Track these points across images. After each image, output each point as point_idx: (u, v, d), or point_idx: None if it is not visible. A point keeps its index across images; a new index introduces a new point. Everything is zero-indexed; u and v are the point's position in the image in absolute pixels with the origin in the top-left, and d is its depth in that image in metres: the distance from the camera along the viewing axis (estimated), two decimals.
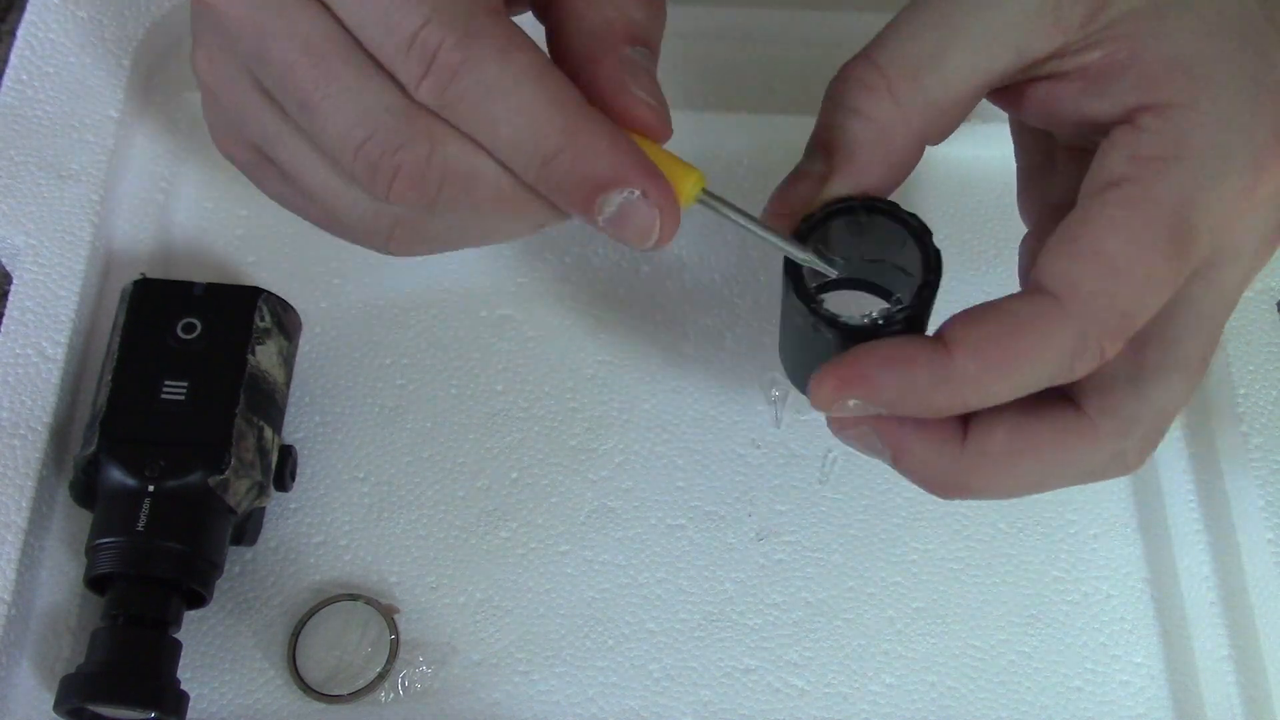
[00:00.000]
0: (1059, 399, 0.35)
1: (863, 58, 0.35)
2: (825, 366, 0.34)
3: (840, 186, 0.35)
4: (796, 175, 0.36)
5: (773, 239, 0.34)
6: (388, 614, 0.45)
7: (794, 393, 0.50)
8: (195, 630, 0.44)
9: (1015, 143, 0.41)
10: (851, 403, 0.33)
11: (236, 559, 0.46)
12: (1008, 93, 0.36)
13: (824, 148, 0.35)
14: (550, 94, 0.31)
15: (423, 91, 0.30)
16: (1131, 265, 0.32)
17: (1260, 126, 0.33)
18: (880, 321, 0.34)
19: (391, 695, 0.44)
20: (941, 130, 0.35)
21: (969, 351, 0.33)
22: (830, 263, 0.35)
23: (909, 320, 0.35)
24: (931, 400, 0.33)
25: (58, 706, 0.40)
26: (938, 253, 0.35)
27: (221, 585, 0.44)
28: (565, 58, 0.33)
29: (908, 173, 0.36)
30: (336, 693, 0.44)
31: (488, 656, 0.45)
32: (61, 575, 0.45)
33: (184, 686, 0.42)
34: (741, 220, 0.34)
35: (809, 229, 0.35)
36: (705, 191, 0.33)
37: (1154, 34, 0.34)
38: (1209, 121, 0.33)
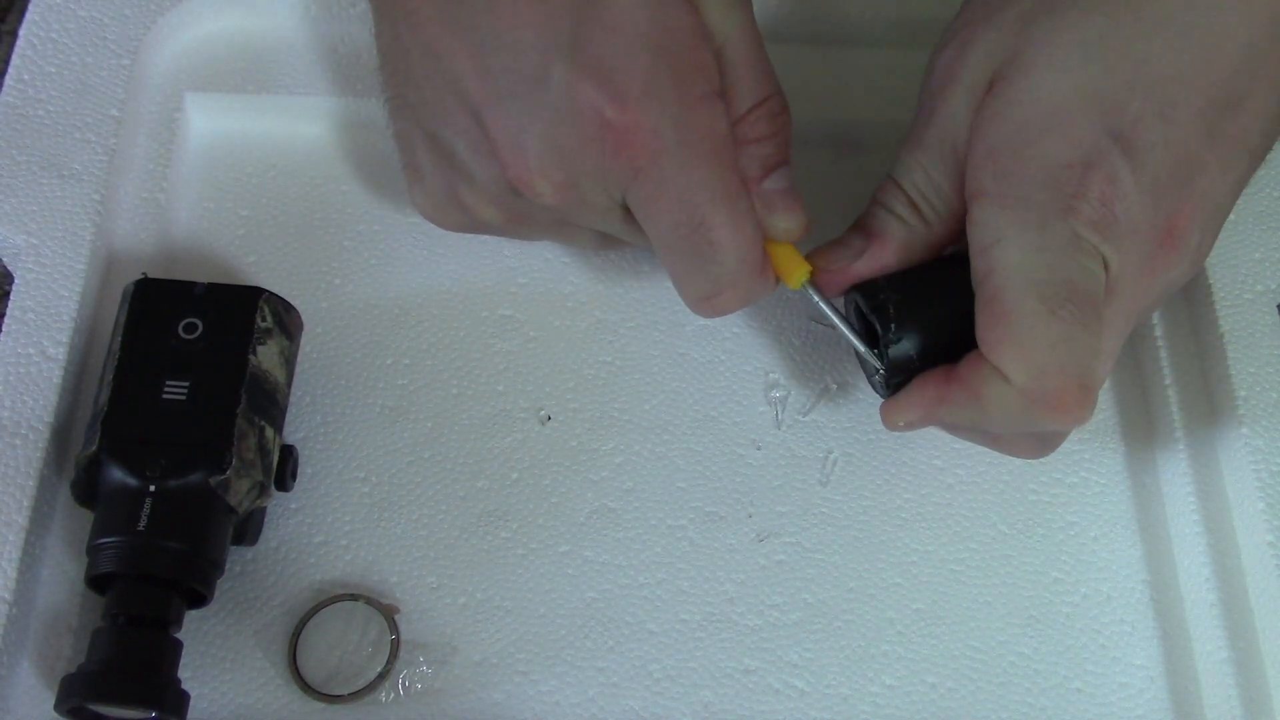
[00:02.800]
0: None
1: (893, 181, 0.44)
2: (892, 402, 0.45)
3: (868, 263, 0.44)
4: (840, 242, 0.45)
5: (852, 338, 0.45)
6: (388, 614, 0.45)
7: (794, 394, 0.50)
8: (196, 630, 0.44)
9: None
10: (902, 422, 0.45)
11: (237, 559, 0.46)
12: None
13: (864, 230, 0.45)
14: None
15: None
16: (1030, 340, 0.40)
17: (1059, 192, 0.40)
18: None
19: (392, 695, 0.44)
20: (955, 236, 0.44)
21: (956, 387, 0.43)
22: (880, 360, 0.45)
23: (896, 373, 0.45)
24: (932, 416, 0.44)
25: (58, 706, 0.40)
26: (886, 341, 0.44)
27: (222, 585, 0.44)
28: None
29: (926, 256, 0.45)
30: (337, 692, 0.44)
31: (488, 657, 0.45)
32: (62, 575, 0.45)
33: (185, 686, 0.42)
34: (831, 314, 0.45)
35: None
36: (810, 283, 0.45)
37: (988, 117, 0.41)
38: (1016, 207, 0.40)
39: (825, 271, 0.45)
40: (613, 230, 0.45)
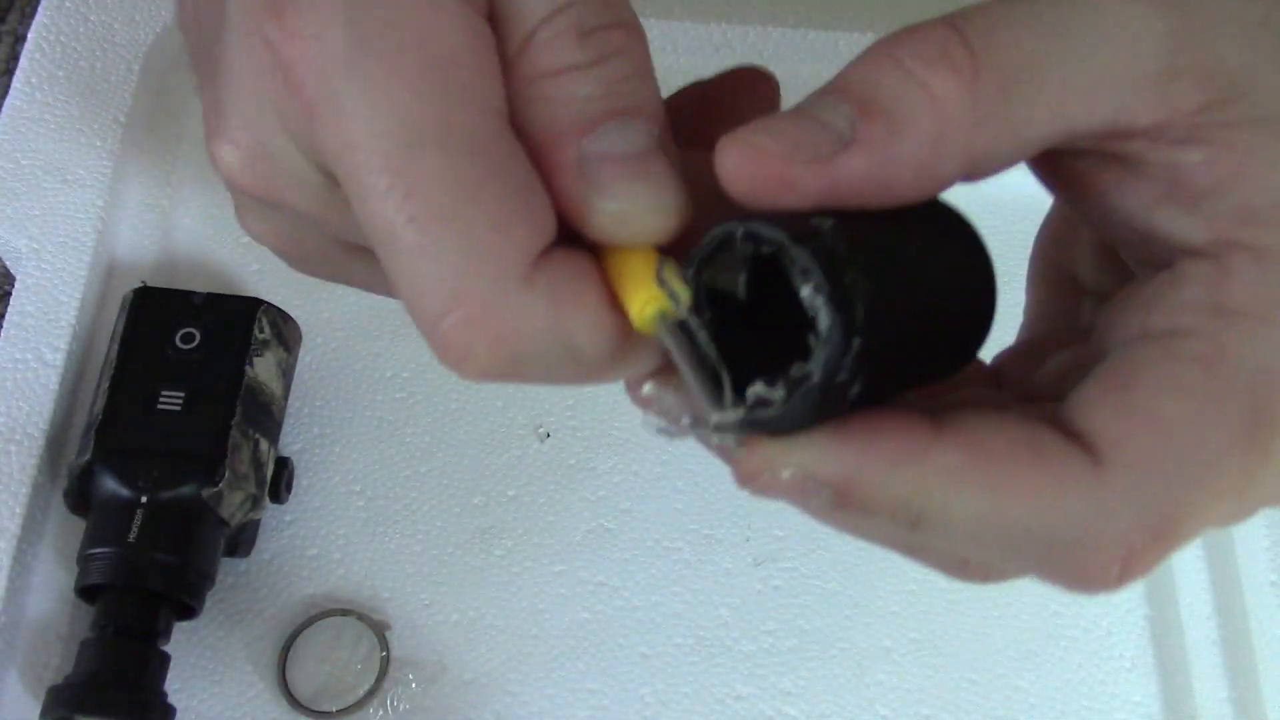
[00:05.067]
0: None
1: (948, 24, 0.26)
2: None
3: (857, 162, 0.25)
4: (801, 115, 0.25)
5: (694, 383, 0.25)
6: (379, 630, 0.45)
7: None
8: (186, 641, 0.44)
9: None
10: (786, 473, 0.26)
11: (230, 570, 0.46)
12: (1071, 170, 0.28)
13: (861, 102, 0.25)
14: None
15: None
16: (1196, 445, 0.25)
17: None
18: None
19: (381, 713, 0.44)
20: (999, 159, 0.26)
21: (959, 448, 0.25)
22: (791, 376, 0.24)
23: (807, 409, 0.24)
24: (888, 491, 0.25)
25: (44, 716, 0.40)
26: (858, 311, 0.24)
27: (214, 596, 0.44)
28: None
29: (926, 196, 0.26)
30: (325, 709, 0.44)
31: (479, 676, 0.45)
32: (53, 583, 0.44)
33: (173, 698, 0.41)
34: (683, 362, 0.25)
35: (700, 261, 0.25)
36: (663, 320, 0.25)
37: (1271, 155, 0.26)
38: None
39: (744, 148, 0.25)
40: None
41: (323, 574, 0.46)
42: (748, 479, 0.26)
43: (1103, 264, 0.31)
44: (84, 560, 0.42)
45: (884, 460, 0.25)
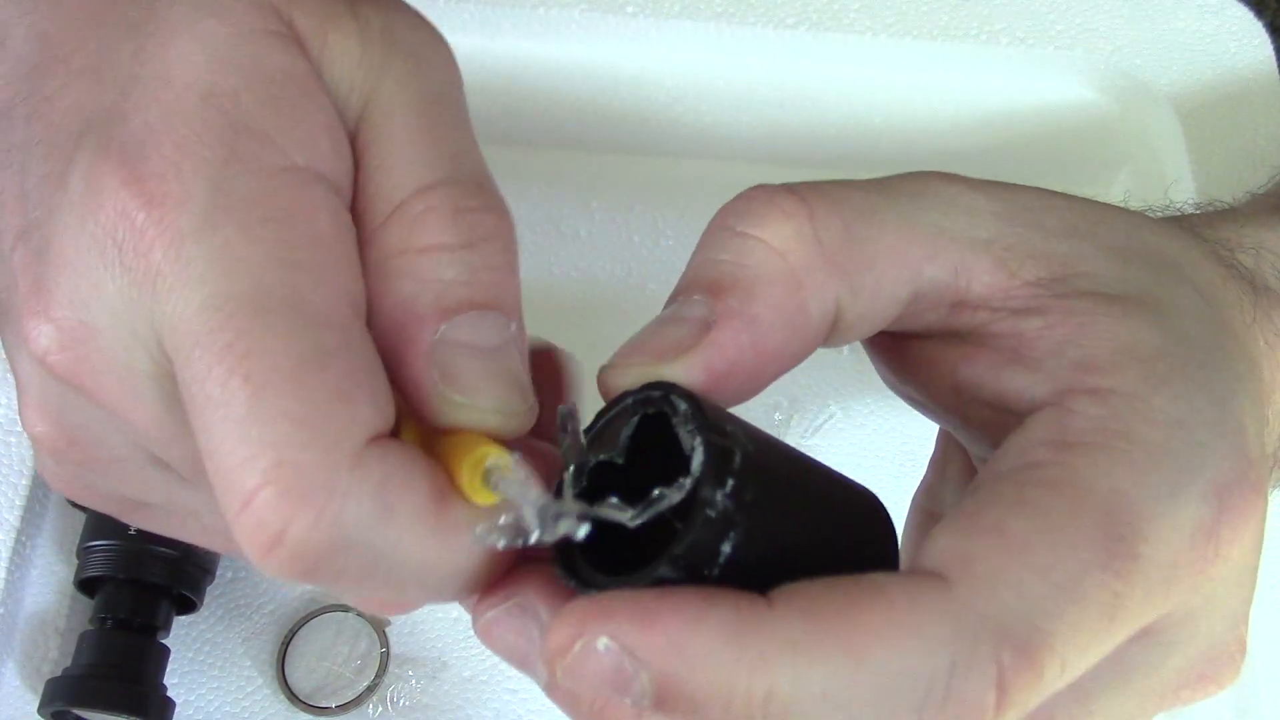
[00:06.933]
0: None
1: (775, 186, 0.28)
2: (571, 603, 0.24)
3: (723, 336, 0.26)
4: (664, 321, 0.27)
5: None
6: (379, 626, 0.45)
7: (800, 415, 0.50)
8: (185, 635, 0.44)
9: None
10: (602, 643, 0.23)
11: (229, 564, 0.45)
12: (924, 353, 0.30)
13: (710, 286, 0.27)
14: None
15: None
16: (1050, 558, 0.24)
17: (1223, 455, 0.26)
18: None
19: (380, 709, 0.44)
20: (865, 300, 0.28)
21: (798, 611, 0.24)
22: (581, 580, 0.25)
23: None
24: (722, 667, 0.23)
25: (42, 709, 0.40)
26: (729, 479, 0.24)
27: (213, 591, 0.44)
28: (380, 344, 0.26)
29: (804, 352, 0.28)
30: (325, 705, 0.43)
31: (478, 673, 0.45)
32: (52, 575, 0.44)
33: (172, 692, 0.41)
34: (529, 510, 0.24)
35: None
36: (492, 479, 0.25)
37: (1110, 316, 0.28)
38: (1160, 421, 0.26)
39: (622, 369, 0.27)
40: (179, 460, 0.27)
41: None
42: (558, 653, 0.24)
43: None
44: (84, 553, 0.41)
45: (718, 633, 0.23)
